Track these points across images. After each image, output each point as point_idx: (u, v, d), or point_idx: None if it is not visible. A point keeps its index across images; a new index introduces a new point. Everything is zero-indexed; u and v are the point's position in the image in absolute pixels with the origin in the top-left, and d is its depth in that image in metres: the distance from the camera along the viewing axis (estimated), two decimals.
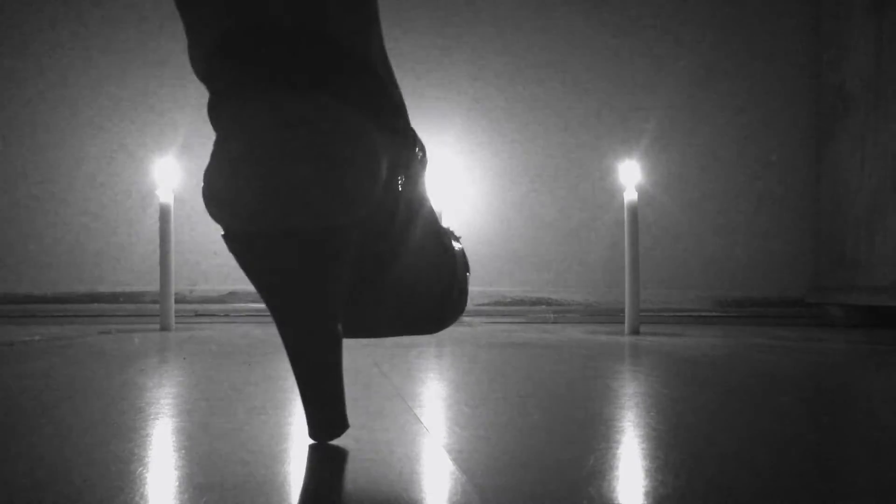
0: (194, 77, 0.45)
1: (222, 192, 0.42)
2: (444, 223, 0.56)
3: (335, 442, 0.47)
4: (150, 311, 1.84)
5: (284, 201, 0.41)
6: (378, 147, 0.44)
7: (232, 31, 0.42)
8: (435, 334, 0.59)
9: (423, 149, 0.49)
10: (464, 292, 0.56)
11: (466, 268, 0.57)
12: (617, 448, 0.47)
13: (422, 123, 1.98)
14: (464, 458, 0.43)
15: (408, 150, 0.47)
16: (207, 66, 0.44)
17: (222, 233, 0.43)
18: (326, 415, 0.45)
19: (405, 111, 0.47)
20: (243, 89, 0.43)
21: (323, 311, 0.43)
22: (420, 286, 0.52)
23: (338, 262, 0.43)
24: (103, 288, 1.94)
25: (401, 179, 0.47)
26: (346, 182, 0.42)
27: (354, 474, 0.41)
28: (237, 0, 0.42)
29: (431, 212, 0.52)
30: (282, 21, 0.42)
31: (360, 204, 0.43)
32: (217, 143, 0.43)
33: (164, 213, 1.51)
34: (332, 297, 0.43)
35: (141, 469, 0.41)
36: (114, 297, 1.94)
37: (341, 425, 0.46)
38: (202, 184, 0.43)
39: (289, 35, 0.42)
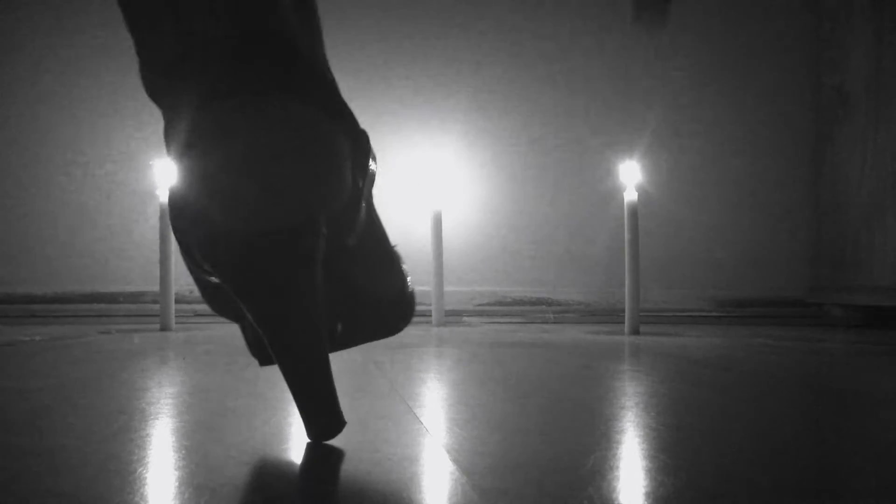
0: None
1: (199, 199, 0.42)
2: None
3: (334, 442, 0.47)
4: (150, 311, 1.84)
5: (258, 202, 0.41)
6: (344, 146, 0.45)
7: (188, 43, 0.43)
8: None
9: (373, 156, 0.49)
10: (413, 297, 0.56)
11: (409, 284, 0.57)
12: (617, 448, 0.47)
13: (422, 124, 1.98)
14: (464, 459, 0.43)
15: (362, 151, 0.48)
16: (166, 82, 0.44)
17: (197, 252, 0.43)
18: (320, 414, 0.45)
19: (353, 115, 0.47)
20: (209, 97, 0.43)
21: (304, 307, 0.44)
22: (380, 289, 0.52)
23: (313, 260, 0.43)
24: (103, 288, 1.94)
25: (361, 181, 0.47)
26: (319, 181, 0.43)
27: (354, 475, 0.41)
28: (190, 12, 0.43)
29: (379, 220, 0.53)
30: (239, 28, 0.43)
31: (332, 201, 0.44)
32: (185, 156, 0.43)
33: (164, 213, 1.51)
34: (310, 292, 0.44)
35: (141, 469, 0.41)
36: (114, 297, 1.94)
37: (337, 424, 0.46)
38: (169, 202, 0.44)
39: (247, 41, 0.43)
